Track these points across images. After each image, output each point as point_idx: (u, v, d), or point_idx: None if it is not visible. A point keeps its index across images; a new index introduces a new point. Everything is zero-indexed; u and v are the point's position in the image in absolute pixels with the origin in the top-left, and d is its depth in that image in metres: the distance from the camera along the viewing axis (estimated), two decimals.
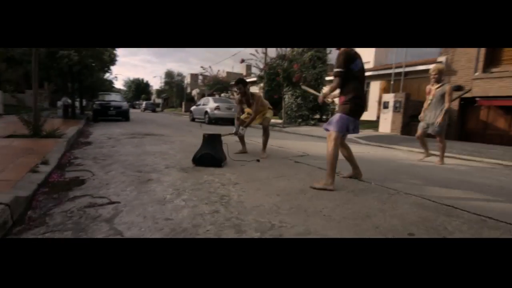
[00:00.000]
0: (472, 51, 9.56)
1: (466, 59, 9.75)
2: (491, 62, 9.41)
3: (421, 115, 4.60)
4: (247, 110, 4.33)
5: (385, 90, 13.20)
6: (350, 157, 2.96)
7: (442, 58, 10.33)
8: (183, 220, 1.73)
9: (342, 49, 2.51)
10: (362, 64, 2.63)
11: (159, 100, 45.47)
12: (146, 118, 15.74)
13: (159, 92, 45.37)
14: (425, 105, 4.53)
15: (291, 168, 3.43)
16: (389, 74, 12.12)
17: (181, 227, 1.62)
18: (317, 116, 13.10)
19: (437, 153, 4.56)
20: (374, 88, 13.76)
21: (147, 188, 2.35)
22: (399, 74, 11.96)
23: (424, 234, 1.66)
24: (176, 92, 37.92)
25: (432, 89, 4.40)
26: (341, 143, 2.73)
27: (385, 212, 1.99)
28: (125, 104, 12.07)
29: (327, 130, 2.64)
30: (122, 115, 11.54)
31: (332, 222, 1.78)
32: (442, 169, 4.03)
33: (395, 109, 9.27)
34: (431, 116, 4.38)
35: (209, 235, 1.53)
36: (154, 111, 32.59)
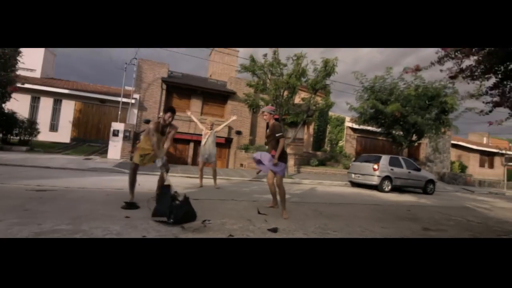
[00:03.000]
0: (156, 96, 13.18)
1: (153, 101, 13.17)
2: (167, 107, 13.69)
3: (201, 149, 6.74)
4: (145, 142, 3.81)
5: (81, 111, 12.58)
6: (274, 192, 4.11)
7: (136, 96, 12.81)
8: None
9: (276, 122, 3.90)
10: None
11: None
12: None
13: None
14: (203, 142, 6.49)
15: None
16: (85, 97, 12.00)
17: None
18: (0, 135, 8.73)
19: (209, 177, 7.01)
20: (68, 108, 12.36)
21: None
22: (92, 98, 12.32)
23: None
24: None
25: (208, 132, 6.75)
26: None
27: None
28: None
29: (275, 172, 3.81)
30: None
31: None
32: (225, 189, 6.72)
33: (125, 138, 10.04)
34: (207, 150, 6.42)
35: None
36: None
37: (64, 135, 12.26)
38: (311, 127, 16.82)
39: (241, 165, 13.17)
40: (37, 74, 13.89)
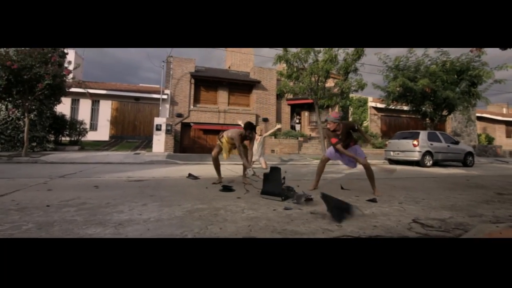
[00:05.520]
0: (186, 91, 13.51)
1: (183, 96, 13.52)
2: (196, 100, 14.04)
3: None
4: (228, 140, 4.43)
5: (117, 110, 13.11)
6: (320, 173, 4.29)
7: (167, 91, 13.18)
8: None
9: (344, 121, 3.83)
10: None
11: None
12: None
13: None
14: (254, 147, 7.29)
15: None
16: (120, 96, 12.45)
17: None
18: (53, 138, 9.35)
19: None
20: (105, 108, 12.90)
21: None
22: (127, 97, 12.77)
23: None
24: None
25: (258, 137, 7.28)
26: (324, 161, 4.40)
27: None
28: None
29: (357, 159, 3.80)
30: None
31: None
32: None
33: (167, 131, 10.50)
34: (256, 153, 7.20)
35: None
36: None
37: (103, 133, 12.85)
38: (336, 110, 16.88)
39: (272, 151, 13.49)
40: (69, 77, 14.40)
